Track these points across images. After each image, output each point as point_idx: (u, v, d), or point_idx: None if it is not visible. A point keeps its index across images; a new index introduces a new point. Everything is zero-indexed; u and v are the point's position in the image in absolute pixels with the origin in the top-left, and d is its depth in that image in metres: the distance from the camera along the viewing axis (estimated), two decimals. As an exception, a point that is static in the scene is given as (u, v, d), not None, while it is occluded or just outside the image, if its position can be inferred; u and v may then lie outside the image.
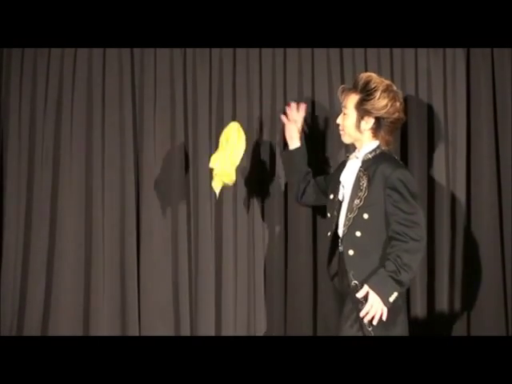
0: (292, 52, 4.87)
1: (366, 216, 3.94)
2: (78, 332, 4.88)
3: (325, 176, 4.46)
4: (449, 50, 4.80)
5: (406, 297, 4.71)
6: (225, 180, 4.35)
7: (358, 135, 4.07)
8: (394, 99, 4.03)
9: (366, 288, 3.83)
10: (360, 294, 3.84)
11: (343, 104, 4.09)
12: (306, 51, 4.86)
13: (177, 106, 4.94)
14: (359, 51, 4.84)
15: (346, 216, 3.99)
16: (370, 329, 3.87)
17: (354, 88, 4.06)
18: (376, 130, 4.03)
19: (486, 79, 4.77)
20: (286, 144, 4.63)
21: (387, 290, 3.82)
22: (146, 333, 4.87)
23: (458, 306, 4.73)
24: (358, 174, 4.02)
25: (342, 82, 4.82)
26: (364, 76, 4.08)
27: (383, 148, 4.06)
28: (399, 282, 3.83)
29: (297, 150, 4.48)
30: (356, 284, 3.90)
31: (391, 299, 3.83)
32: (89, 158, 4.97)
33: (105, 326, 4.88)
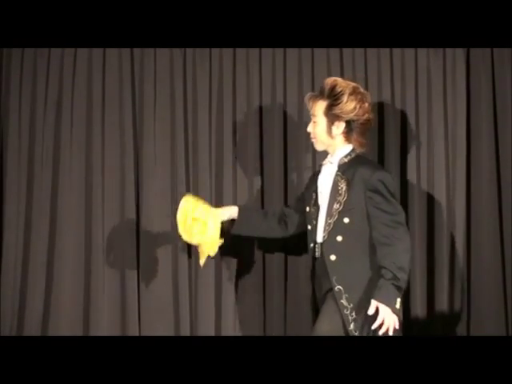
0: (292, 52, 4.87)
1: (346, 220, 3.92)
2: (78, 332, 4.88)
3: (300, 196, 4.41)
4: (449, 50, 4.80)
5: (406, 297, 4.73)
6: (209, 249, 4.28)
7: (331, 141, 4.05)
8: (361, 101, 4.01)
9: (374, 303, 3.82)
10: (371, 311, 3.82)
11: (312, 112, 4.07)
12: (306, 51, 4.86)
13: (177, 105, 4.94)
14: (359, 51, 4.84)
15: (326, 221, 3.97)
16: (355, 332, 3.86)
17: (321, 94, 4.04)
18: (348, 133, 4.02)
19: (486, 79, 4.77)
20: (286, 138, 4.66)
21: (392, 298, 3.82)
22: (145, 333, 4.87)
23: (457, 306, 4.73)
24: (335, 178, 4.00)
25: (342, 82, 4.83)
26: (329, 81, 4.05)
27: (357, 151, 4.05)
28: (399, 288, 3.84)
29: (239, 216, 4.34)
30: (340, 289, 3.88)
31: (397, 306, 3.84)
32: (89, 157, 4.97)
33: (105, 326, 4.88)
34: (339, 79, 4.09)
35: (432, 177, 4.79)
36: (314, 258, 4.05)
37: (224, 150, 4.88)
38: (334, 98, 3.99)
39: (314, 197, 4.09)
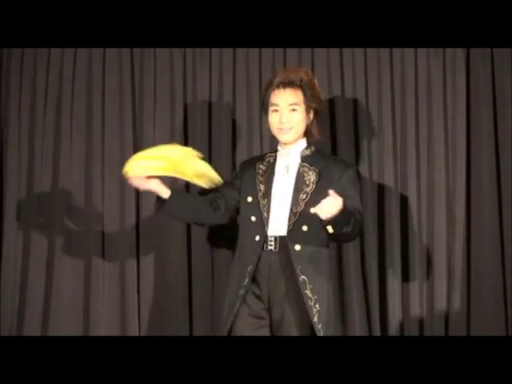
0: (292, 52, 4.87)
1: (312, 210, 3.89)
2: (78, 332, 4.88)
3: (232, 184, 4.18)
4: (449, 50, 4.80)
5: (406, 296, 4.73)
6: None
7: (303, 130, 4.04)
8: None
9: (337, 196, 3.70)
10: (330, 193, 3.69)
11: (292, 101, 3.98)
12: (306, 51, 4.86)
13: (176, 106, 4.94)
14: (359, 51, 4.84)
15: (291, 211, 3.95)
16: (319, 325, 3.85)
17: (292, 83, 4.00)
18: (312, 122, 4.03)
19: (485, 79, 4.76)
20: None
21: (341, 217, 3.70)
22: (145, 333, 4.87)
23: (457, 306, 4.73)
24: (300, 169, 3.99)
25: (342, 82, 4.83)
26: (297, 71, 4.03)
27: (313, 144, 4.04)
28: (339, 225, 3.72)
29: (172, 193, 4.07)
30: (304, 279, 3.86)
31: (330, 229, 3.71)
32: (89, 157, 4.97)
33: (105, 326, 4.88)
34: (299, 68, 4.11)
35: (432, 177, 4.78)
36: (261, 253, 3.96)
37: (224, 150, 4.88)
38: (307, 85, 4.00)
39: (261, 188, 4.02)
